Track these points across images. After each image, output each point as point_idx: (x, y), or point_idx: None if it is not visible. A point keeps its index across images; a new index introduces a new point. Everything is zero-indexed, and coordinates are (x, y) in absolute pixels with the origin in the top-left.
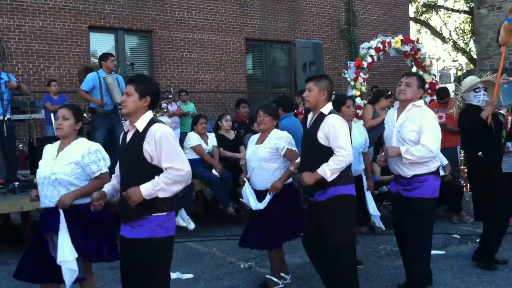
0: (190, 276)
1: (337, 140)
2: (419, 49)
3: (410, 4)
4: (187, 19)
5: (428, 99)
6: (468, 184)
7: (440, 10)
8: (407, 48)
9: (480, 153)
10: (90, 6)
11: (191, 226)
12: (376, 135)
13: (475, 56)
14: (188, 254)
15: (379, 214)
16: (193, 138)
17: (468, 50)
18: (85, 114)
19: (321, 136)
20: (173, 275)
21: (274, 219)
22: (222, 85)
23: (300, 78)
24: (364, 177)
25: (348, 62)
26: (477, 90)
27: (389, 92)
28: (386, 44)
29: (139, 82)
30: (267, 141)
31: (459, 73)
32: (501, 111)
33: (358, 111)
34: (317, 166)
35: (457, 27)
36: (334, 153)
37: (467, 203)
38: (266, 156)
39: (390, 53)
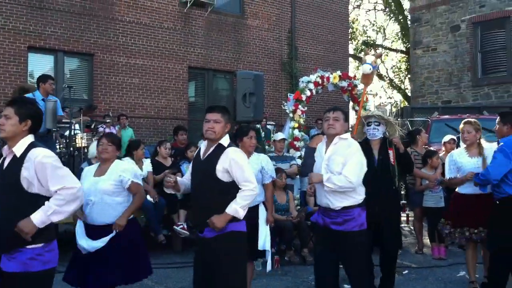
0: None
1: (242, 173)
2: (356, 85)
3: (350, 42)
4: (130, 44)
5: None
6: None
7: (378, 49)
8: (344, 83)
9: None
10: (30, 27)
11: None
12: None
13: (409, 94)
14: None
15: (270, 250)
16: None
17: (403, 88)
18: None
19: (220, 170)
20: None
21: (115, 256)
22: (162, 111)
23: (240, 108)
24: (261, 209)
25: (289, 94)
26: (369, 124)
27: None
28: (325, 79)
29: (19, 105)
30: (110, 172)
31: (394, 109)
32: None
33: (296, 142)
34: (200, 200)
35: (394, 66)
36: (240, 188)
37: None
38: (110, 189)
39: (328, 88)
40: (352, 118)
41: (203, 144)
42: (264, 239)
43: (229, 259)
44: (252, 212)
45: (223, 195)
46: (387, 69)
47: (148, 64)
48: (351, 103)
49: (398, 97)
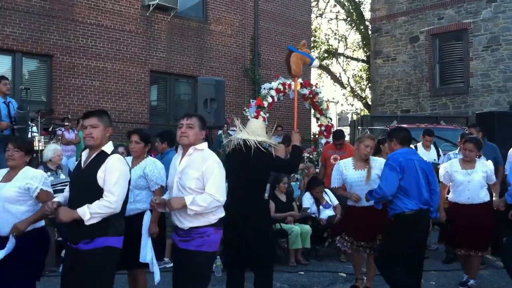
0: None
1: (110, 184)
2: (317, 93)
3: (312, 50)
4: (90, 47)
5: (323, 141)
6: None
7: (340, 58)
8: (306, 91)
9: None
10: None
11: None
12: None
13: (370, 102)
14: None
15: (154, 262)
16: None
17: (364, 97)
18: None
19: (101, 177)
20: None
21: (16, 267)
22: (123, 115)
23: (201, 113)
24: (146, 218)
25: (251, 100)
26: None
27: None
28: (287, 86)
29: None
30: (17, 179)
31: (355, 117)
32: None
33: None
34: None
35: (355, 75)
36: (102, 196)
37: None
38: (13, 196)
39: (290, 95)
40: (314, 125)
41: (85, 152)
42: (145, 250)
43: (99, 274)
44: (137, 219)
45: None
46: (348, 78)
47: (109, 67)
48: (312, 111)
49: (359, 105)
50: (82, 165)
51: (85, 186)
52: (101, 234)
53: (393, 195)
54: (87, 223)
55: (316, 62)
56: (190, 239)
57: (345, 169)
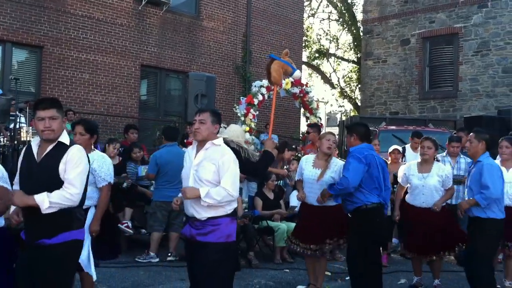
0: None
1: (72, 175)
2: (307, 92)
3: (303, 50)
4: (81, 39)
5: None
6: None
7: (330, 58)
8: (296, 90)
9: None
10: None
11: None
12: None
13: (359, 103)
14: None
15: (89, 263)
16: None
17: (353, 98)
18: None
19: (62, 169)
20: None
21: None
22: (112, 108)
23: (191, 109)
24: (90, 215)
25: (241, 97)
26: None
27: (293, 146)
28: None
29: None
30: None
31: (344, 117)
32: None
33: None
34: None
35: (345, 75)
36: (62, 187)
37: None
38: None
39: (281, 94)
40: (303, 124)
41: (34, 143)
42: (86, 249)
43: (63, 268)
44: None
45: None
46: (338, 78)
47: (99, 60)
48: (302, 110)
49: (348, 106)
50: (36, 157)
51: (44, 179)
52: (66, 229)
53: (355, 187)
54: (44, 212)
55: (297, 73)
56: (207, 231)
57: (305, 164)
